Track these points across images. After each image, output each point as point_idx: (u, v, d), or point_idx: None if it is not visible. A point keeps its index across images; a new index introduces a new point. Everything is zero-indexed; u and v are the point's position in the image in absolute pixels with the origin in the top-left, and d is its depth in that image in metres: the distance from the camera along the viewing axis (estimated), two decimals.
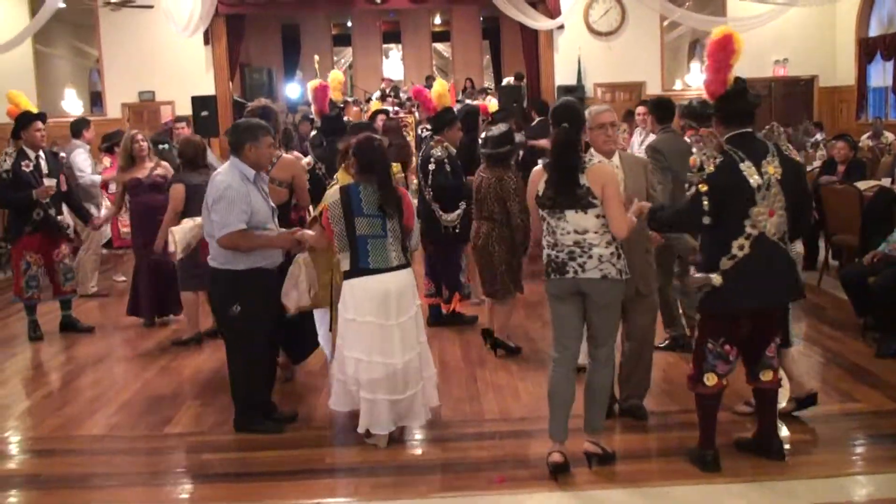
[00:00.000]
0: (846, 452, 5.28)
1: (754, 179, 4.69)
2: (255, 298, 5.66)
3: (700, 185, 4.74)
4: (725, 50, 4.75)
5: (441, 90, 8.51)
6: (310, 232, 5.79)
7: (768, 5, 15.72)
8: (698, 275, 4.86)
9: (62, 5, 15.56)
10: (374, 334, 5.37)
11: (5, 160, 8.22)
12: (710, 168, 4.73)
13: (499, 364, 7.13)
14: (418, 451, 5.53)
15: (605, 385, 5.12)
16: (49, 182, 8.30)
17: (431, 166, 8.04)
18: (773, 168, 4.73)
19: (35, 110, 8.53)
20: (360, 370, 5.41)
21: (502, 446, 5.49)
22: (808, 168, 11.23)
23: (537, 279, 10.35)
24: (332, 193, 5.53)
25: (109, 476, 5.35)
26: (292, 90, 21.74)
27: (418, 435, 5.73)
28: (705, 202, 4.71)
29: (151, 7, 16.15)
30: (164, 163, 9.04)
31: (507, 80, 19.87)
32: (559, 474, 4.96)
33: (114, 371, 7.42)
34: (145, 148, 8.91)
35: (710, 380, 4.95)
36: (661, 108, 7.37)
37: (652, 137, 7.84)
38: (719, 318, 4.92)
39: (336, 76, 10.84)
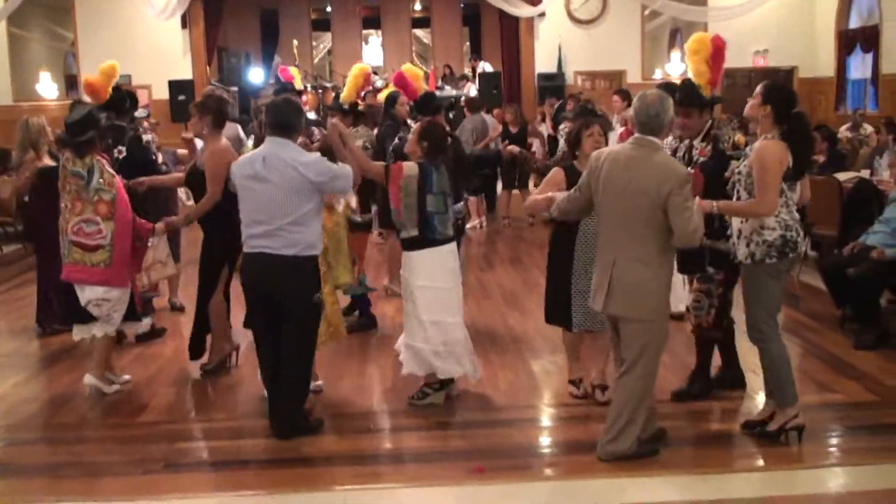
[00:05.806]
0: (824, 444, 5.27)
1: None
2: (320, 283, 5.66)
3: None
4: None
5: (412, 73, 8.15)
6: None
7: None
8: None
9: None
10: (450, 297, 5.83)
11: None
12: None
13: (479, 353, 7.01)
14: (396, 440, 5.53)
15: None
16: None
17: None
18: None
19: None
20: (440, 332, 5.76)
21: (483, 436, 5.46)
22: None
23: (508, 266, 10.42)
24: (411, 166, 5.73)
25: (130, 464, 5.22)
26: (255, 75, 20.65)
27: (394, 424, 5.73)
28: None
29: None
30: None
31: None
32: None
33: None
34: None
35: None
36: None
37: None
38: None
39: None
